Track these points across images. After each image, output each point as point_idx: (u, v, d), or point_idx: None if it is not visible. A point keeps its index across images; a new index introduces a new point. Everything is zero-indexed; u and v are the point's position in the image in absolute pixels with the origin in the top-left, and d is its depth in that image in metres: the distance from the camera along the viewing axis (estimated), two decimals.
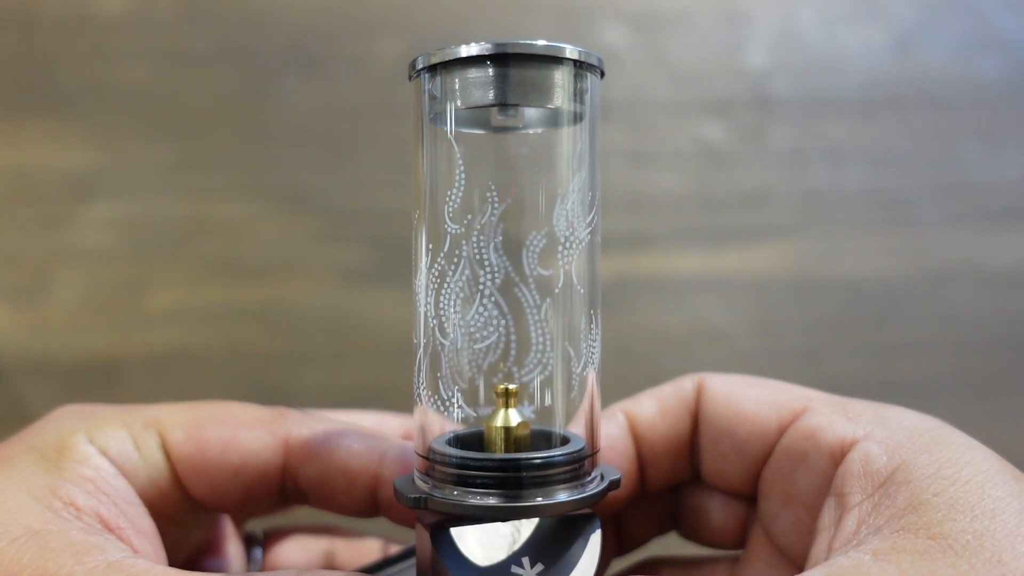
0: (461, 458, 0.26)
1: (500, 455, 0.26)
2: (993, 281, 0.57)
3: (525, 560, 0.25)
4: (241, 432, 0.29)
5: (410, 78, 0.27)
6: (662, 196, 0.55)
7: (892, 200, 0.56)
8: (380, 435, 0.30)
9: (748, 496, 0.30)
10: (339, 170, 0.53)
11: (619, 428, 0.30)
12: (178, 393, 0.52)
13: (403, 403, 0.51)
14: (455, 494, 0.25)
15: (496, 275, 0.28)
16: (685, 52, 0.55)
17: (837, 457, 0.26)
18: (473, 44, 0.25)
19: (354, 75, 0.53)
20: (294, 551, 0.35)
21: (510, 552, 0.25)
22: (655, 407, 0.30)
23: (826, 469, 0.26)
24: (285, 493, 0.30)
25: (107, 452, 0.27)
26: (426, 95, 0.26)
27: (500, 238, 0.28)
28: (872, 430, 0.26)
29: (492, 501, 0.25)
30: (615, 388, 0.31)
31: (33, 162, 0.52)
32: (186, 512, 0.29)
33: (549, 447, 0.27)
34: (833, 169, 0.56)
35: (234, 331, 0.52)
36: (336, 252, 0.53)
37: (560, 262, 0.27)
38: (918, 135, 0.56)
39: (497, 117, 0.28)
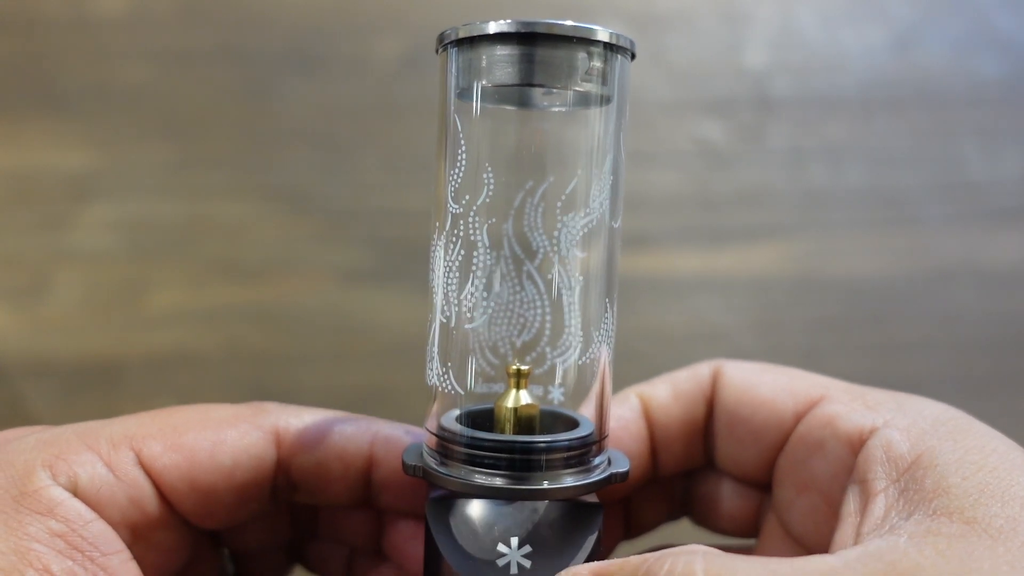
0: (465, 436, 0.26)
1: (502, 435, 0.26)
2: (993, 281, 0.57)
3: (514, 540, 0.25)
4: (225, 431, 0.26)
5: (436, 52, 0.27)
6: (662, 196, 0.55)
7: (892, 200, 0.56)
8: (367, 417, 0.29)
9: (762, 484, 0.30)
10: (339, 170, 0.53)
11: (632, 411, 0.30)
12: (178, 393, 0.53)
13: (404, 403, 0.52)
14: (460, 472, 0.25)
15: (491, 256, 0.27)
16: (685, 52, 0.55)
17: (855, 445, 0.26)
18: (503, 21, 0.24)
19: (354, 75, 0.53)
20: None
21: (501, 531, 0.25)
22: (669, 391, 0.30)
23: (844, 457, 0.26)
24: (276, 491, 0.28)
25: (77, 484, 0.24)
26: (451, 71, 0.26)
27: (530, 218, 0.28)
28: (892, 418, 0.25)
29: (494, 481, 0.25)
30: (614, 387, 0.31)
31: (33, 162, 0.52)
32: (171, 532, 0.27)
33: (558, 430, 0.27)
34: (833, 169, 0.56)
35: (234, 331, 0.52)
36: (336, 252, 0.53)
37: (579, 245, 0.27)
38: (918, 134, 0.56)
39: (532, 96, 0.27)
